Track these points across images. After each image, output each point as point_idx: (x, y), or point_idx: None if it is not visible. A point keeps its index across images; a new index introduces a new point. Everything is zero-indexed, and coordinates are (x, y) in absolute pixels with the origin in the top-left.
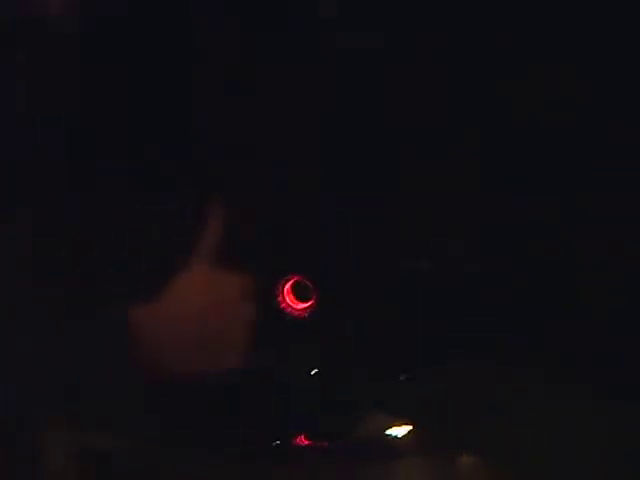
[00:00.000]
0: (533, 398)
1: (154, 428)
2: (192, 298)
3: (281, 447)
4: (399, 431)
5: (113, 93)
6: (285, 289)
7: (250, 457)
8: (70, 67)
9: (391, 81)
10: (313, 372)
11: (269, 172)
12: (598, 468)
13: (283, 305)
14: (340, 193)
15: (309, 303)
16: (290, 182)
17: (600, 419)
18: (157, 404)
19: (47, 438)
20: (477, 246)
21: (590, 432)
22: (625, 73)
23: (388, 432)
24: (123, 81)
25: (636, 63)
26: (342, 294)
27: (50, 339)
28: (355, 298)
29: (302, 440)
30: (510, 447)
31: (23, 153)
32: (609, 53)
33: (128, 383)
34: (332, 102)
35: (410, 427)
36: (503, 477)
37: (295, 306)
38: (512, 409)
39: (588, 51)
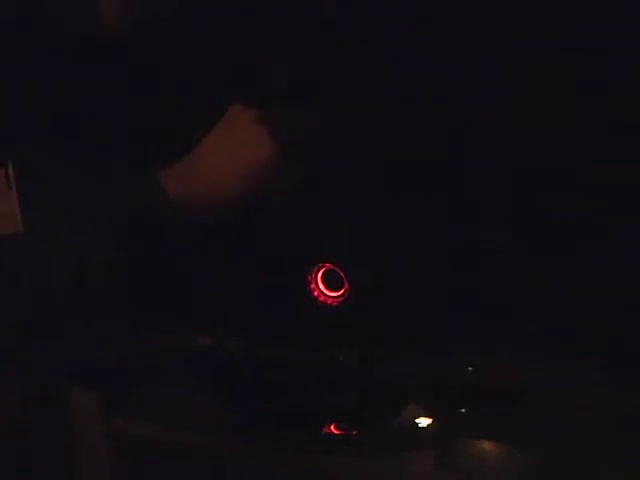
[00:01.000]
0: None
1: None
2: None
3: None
4: (425, 420)
5: None
6: (317, 277)
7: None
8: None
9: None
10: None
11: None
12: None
13: (315, 293)
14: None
15: (341, 291)
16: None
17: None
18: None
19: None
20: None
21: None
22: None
23: (417, 420)
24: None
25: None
26: (376, 282)
27: None
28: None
29: (333, 429)
30: (537, 435)
31: None
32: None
33: None
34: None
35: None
36: (530, 466)
37: (327, 294)
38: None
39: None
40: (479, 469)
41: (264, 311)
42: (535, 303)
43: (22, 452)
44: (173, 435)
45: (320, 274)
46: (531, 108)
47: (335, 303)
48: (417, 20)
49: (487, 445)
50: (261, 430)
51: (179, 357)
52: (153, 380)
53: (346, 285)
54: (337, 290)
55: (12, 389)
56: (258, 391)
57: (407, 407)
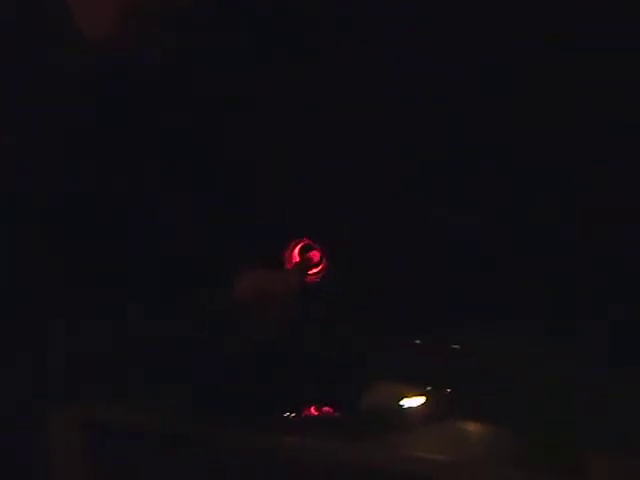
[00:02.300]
0: (548, 365)
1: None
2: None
3: (293, 417)
4: (411, 401)
5: None
6: (294, 254)
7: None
8: None
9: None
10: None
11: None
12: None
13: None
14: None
15: (319, 268)
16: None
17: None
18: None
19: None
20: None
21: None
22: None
23: (401, 402)
24: None
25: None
26: (352, 257)
27: None
28: (366, 261)
29: (313, 410)
30: (523, 414)
31: None
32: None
33: None
34: None
35: (422, 397)
36: (515, 444)
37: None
38: (525, 375)
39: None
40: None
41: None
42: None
43: None
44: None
45: (297, 250)
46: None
47: (313, 279)
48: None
49: (473, 426)
50: (231, 412)
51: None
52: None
53: (324, 261)
54: (315, 267)
55: None
56: (231, 372)
57: (387, 388)
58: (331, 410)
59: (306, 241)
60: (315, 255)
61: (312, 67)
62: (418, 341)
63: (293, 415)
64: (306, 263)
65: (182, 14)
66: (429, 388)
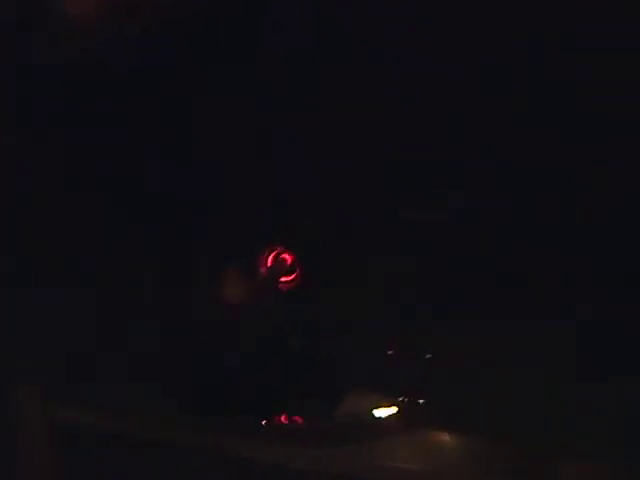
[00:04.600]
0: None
1: None
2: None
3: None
4: (384, 411)
5: None
6: (267, 261)
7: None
8: None
9: None
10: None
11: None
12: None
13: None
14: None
15: (292, 276)
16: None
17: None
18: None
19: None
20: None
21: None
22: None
23: (373, 412)
24: None
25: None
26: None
27: None
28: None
29: (283, 419)
30: (495, 423)
31: None
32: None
33: None
34: None
35: (395, 407)
36: (489, 453)
37: (281, 279)
38: (498, 385)
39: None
40: (439, 459)
41: None
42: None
43: None
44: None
45: (271, 258)
46: None
47: (286, 288)
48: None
49: (446, 436)
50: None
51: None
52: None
53: (297, 270)
54: (288, 275)
55: None
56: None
57: (361, 398)
58: (301, 419)
59: (280, 248)
60: (288, 260)
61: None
62: (390, 352)
63: (265, 423)
64: (280, 268)
65: None
66: (401, 398)
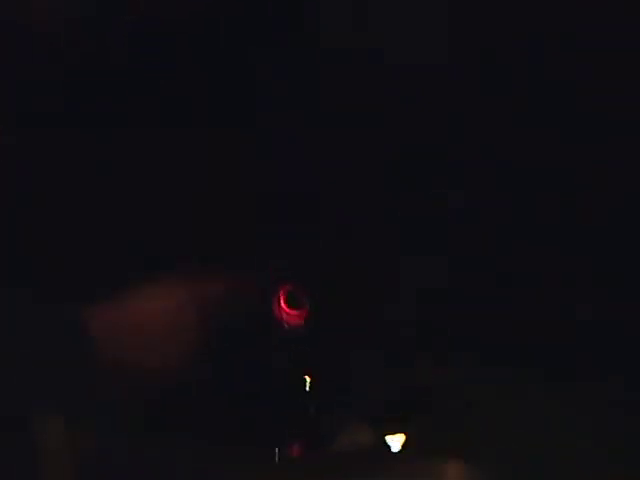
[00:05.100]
0: (522, 399)
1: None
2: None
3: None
4: (389, 440)
5: None
6: (279, 296)
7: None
8: None
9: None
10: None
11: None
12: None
13: (277, 312)
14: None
15: (302, 310)
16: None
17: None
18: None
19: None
20: None
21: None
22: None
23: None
24: None
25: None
26: (335, 301)
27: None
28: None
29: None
30: (498, 450)
31: None
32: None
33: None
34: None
35: (400, 436)
36: None
37: (289, 313)
38: (499, 411)
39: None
40: None
41: None
42: None
43: None
44: None
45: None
46: None
47: (295, 322)
48: None
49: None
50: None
51: None
52: None
53: (306, 304)
54: (298, 309)
55: None
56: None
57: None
58: (306, 448)
59: (292, 285)
60: (299, 298)
61: None
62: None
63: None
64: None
65: None
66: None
